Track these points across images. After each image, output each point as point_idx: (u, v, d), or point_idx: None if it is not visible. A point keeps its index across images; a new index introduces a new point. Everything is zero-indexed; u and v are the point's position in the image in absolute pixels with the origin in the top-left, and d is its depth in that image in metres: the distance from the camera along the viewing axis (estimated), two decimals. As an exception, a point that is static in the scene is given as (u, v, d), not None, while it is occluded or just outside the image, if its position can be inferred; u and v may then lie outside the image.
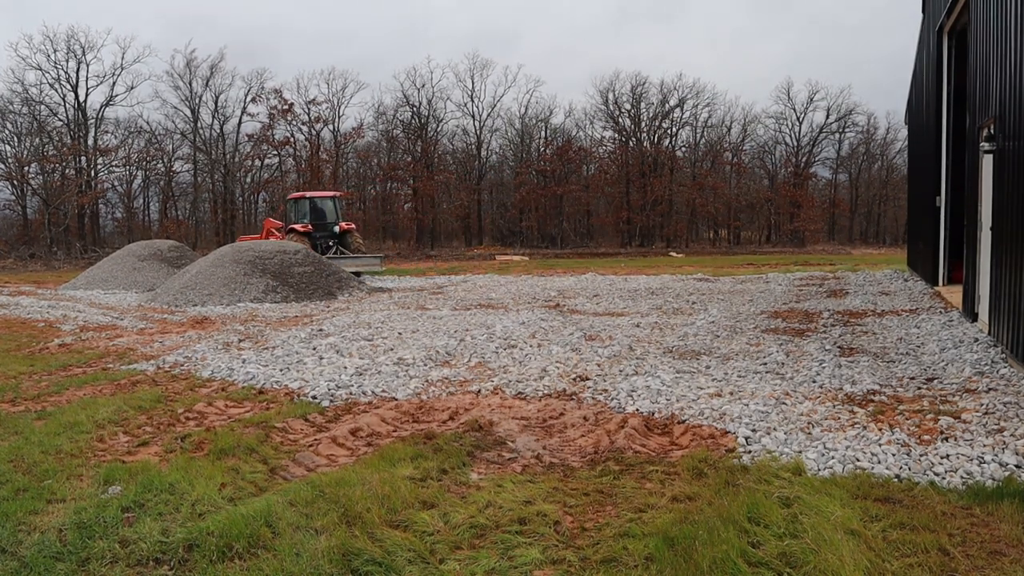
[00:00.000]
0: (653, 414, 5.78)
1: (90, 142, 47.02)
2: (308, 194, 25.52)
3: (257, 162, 53.93)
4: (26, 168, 44.40)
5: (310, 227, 23.95)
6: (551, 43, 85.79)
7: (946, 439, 4.81)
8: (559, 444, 5.12)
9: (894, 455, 4.53)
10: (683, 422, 5.55)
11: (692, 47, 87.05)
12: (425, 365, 7.90)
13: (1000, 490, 3.95)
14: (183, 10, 75.19)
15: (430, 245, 50.37)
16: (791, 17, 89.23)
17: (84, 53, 45.99)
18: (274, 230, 26.35)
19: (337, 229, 24.34)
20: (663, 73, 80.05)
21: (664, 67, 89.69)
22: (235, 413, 6.07)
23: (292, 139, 53.28)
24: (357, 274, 24.38)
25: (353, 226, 25.29)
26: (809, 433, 5.06)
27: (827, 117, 55.84)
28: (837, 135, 56.76)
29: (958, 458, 4.44)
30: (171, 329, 11.36)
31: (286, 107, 52.14)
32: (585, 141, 57.51)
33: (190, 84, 50.10)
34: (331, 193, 26.97)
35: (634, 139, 56.61)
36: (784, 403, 5.86)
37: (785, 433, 5.06)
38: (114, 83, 47.33)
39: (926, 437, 4.90)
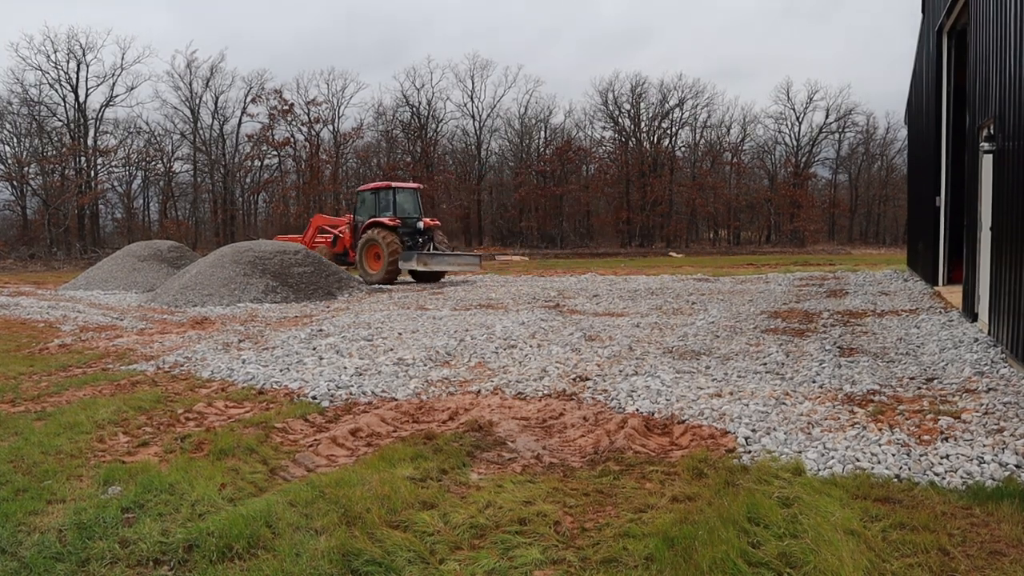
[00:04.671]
0: (653, 414, 5.78)
1: (89, 142, 47.04)
2: (394, 184, 22.01)
3: (257, 162, 53.97)
4: (26, 168, 44.42)
5: (398, 221, 20.92)
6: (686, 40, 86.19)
7: (946, 439, 4.81)
8: (559, 444, 5.12)
9: (894, 455, 4.53)
10: (683, 422, 5.55)
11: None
12: (425, 365, 7.90)
13: (1000, 490, 3.95)
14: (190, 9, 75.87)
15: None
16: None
17: (84, 53, 46.07)
18: (327, 227, 23.27)
19: (420, 225, 21.34)
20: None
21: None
22: (235, 413, 6.07)
23: (292, 139, 53.33)
24: (438, 276, 21.70)
25: (438, 223, 22.32)
26: (809, 433, 5.06)
27: (827, 117, 55.92)
28: (837, 135, 56.82)
29: (958, 458, 4.45)
30: (171, 329, 11.36)
31: (286, 107, 52.19)
32: (585, 141, 57.58)
33: (190, 85, 50.16)
34: (414, 185, 23.58)
35: (634, 139, 56.65)
36: (784, 403, 5.87)
37: (785, 433, 5.06)
38: (114, 83, 47.41)
39: (926, 437, 4.90)
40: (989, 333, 8.54)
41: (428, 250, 21.15)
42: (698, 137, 57.36)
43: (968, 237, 10.65)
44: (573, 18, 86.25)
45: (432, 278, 21.82)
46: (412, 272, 21.04)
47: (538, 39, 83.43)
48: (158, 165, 51.78)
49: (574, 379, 7.10)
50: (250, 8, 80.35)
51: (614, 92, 55.59)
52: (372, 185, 22.67)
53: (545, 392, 6.62)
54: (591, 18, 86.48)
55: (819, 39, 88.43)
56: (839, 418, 5.38)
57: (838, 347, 8.49)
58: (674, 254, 44.71)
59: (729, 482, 4.15)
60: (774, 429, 5.17)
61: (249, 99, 51.76)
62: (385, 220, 20.81)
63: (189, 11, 77.19)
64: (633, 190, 54.51)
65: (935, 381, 6.62)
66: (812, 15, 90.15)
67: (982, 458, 4.42)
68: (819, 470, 4.38)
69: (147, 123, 50.39)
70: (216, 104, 51.33)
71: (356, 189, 23.69)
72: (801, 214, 53.56)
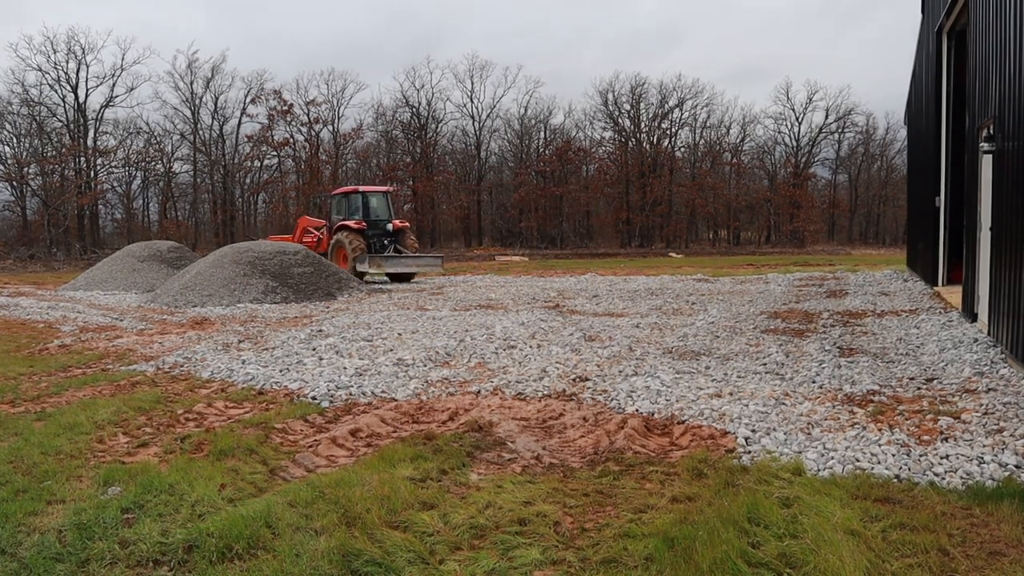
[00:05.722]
0: (653, 414, 5.78)
1: (89, 143, 47.03)
2: (361, 188, 23.15)
3: (256, 163, 53.96)
4: (25, 169, 44.41)
5: (364, 224, 21.86)
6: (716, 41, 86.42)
7: (946, 439, 4.82)
8: (559, 445, 5.12)
9: (894, 455, 4.53)
10: (683, 422, 5.55)
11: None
12: (425, 366, 7.90)
13: (1000, 490, 3.95)
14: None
15: (430, 246, 50.41)
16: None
17: (84, 54, 46.08)
18: (311, 229, 24.10)
19: (390, 227, 22.31)
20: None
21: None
22: (235, 414, 6.07)
23: (291, 140, 53.32)
24: (408, 277, 22.33)
25: (407, 224, 23.19)
26: (809, 433, 5.06)
27: (826, 117, 55.93)
28: (836, 135, 56.82)
29: (958, 458, 4.44)
30: (171, 330, 11.36)
31: (286, 108, 52.19)
32: (584, 142, 57.59)
33: (191, 85, 50.16)
34: (383, 188, 24.48)
35: (633, 139, 56.66)
36: (784, 403, 5.86)
37: (785, 433, 5.06)
38: (114, 84, 47.41)
39: (926, 437, 4.90)
40: (989, 333, 8.55)
41: (389, 252, 21.97)
42: (698, 137, 57.40)
43: (968, 237, 10.65)
44: (604, 20, 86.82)
45: (403, 278, 22.32)
46: (388, 273, 21.69)
47: (568, 41, 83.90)
48: (158, 165, 51.82)
49: (574, 379, 7.09)
50: (254, 9, 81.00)
51: (614, 92, 55.63)
52: (343, 189, 23.79)
53: (545, 392, 6.61)
54: (623, 19, 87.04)
55: (851, 40, 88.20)
56: (839, 418, 5.38)
57: (838, 347, 8.49)
58: (674, 254, 44.72)
59: (729, 482, 4.15)
60: (774, 429, 5.17)
61: (249, 99, 51.81)
62: (351, 223, 21.69)
63: (197, 10, 77.82)
64: (633, 190, 54.51)
65: (935, 381, 6.62)
66: (847, 15, 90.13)
67: (982, 458, 4.42)
68: (819, 470, 4.38)
69: (147, 123, 50.42)
70: (216, 104, 51.37)
71: (331, 193, 25.20)
72: (801, 214, 53.58)
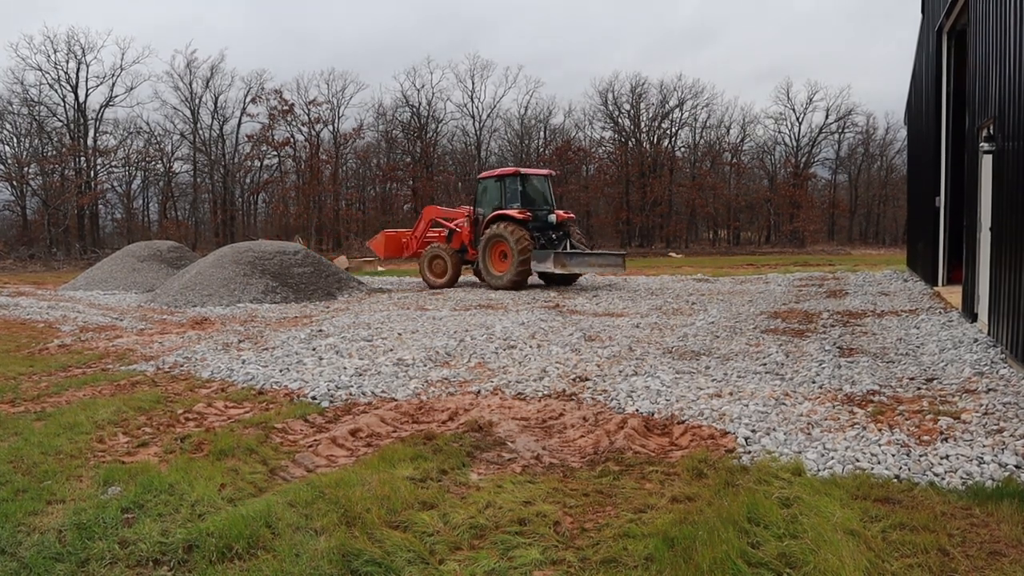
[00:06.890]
0: (653, 414, 5.78)
1: (89, 142, 47.03)
2: (521, 170, 18.42)
3: (256, 163, 53.92)
4: (26, 169, 44.41)
5: (529, 214, 17.65)
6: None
7: (946, 439, 4.82)
8: (559, 444, 5.13)
9: (894, 455, 4.53)
10: (683, 422, 5.55)
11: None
12: (425, 366, 7.90)
13: (1000, 490, 3.95)
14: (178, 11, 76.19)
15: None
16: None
17: (84, 54, 46.06)
18: (441, 220, 20.13)
19: (553, 218, 18.20)
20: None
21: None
22: (235, 414, 6.07)
23: (292, 140, 53.29)
24: (572, 278, 18.66)
25: (571, 215, 18.96)
26: (809, 433, 5.06)
27: (826, 117, 55.87)
28: (836, 135, 56.77)
29: (958, 458, 4.45)
30: (171, 330, 11.36)
31: (286, 108, 52.14)
32: (584, 142, 57.57)
33: (190, 85, 50.13)
34: (544, 171, 19.52)
35: (633, 139, 56.62)
36: (784, 403, 5.87)
37: (785, 433, 5.06)
38: (113, 84, 47.38)
39: (926, 437, 4.90)
40: (989, 333, 8.55)
41: (565, 248, 17.94)
42: (698, 137, 57.36)
43: (968, 237, 10.65)
44: (627, 24, 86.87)
45: (565, 280, 18.79)
46: (541, 274, 18.15)
47: (601, 40, 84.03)
48: (158, 165, 51.80)
49: (574, 379, 7.09)
50: (255, 8, 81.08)
51: (614, 92, 55.59)
52: (496, 172, 19.17)
53: (545, 392, 6.62)
54: (656, 17, 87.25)
55: (868, 43, 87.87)
56: (839, 418, 5.39)
57: (838, 347, 8.49)
58: (674, 254, 44.71)
59: (729, 482, 4.15)
60: (774, 429, 5.17)
61: (249, 99, 51.76)
62: (513, 212, 17.55)
63: (236, 8, 78.09)
64: (633, 190, 54.48)
65: (935, 381, 6.62)
66: (880, 19, 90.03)
67: (982, 458, 4.42)
68: (819, 470, 4.38)
69: (147, 123, 50.40)
70: (216, 104, 51.33)
71: (477, 177, 20.42)
72: (801, 214, 53.54)
